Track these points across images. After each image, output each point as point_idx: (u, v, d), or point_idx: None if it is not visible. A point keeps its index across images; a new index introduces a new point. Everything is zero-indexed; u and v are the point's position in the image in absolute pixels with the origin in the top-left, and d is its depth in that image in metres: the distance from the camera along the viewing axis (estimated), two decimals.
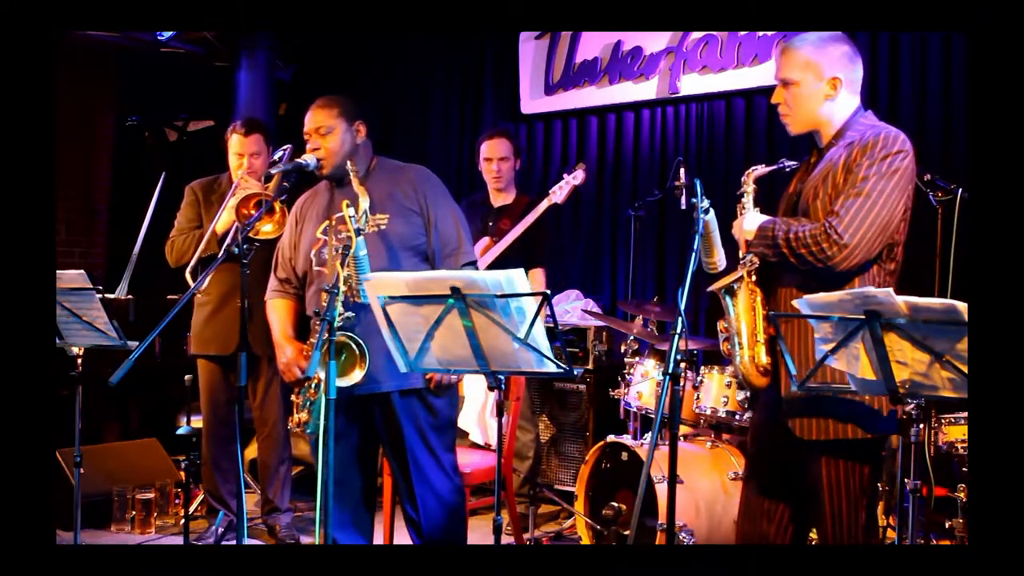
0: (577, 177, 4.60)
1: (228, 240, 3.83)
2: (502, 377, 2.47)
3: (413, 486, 3.08)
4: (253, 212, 3.73)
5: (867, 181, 2.37)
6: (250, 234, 3.71)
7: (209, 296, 4.08)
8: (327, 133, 3.06)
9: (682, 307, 2.29)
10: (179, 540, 4.05)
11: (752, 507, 2.64)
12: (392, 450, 3.12)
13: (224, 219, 3.92)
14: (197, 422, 4.25)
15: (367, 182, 3.04)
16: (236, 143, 4.10)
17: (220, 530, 4.22)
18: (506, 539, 4.06)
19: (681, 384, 2.40)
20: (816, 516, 2.51)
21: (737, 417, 3.82)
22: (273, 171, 3.67)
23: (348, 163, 3.02)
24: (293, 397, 3.00)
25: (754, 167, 2.62)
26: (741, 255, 2.55)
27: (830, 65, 2.49)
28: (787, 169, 2.64)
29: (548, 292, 2.37)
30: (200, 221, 4.15)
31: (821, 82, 2.49)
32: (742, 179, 2.60)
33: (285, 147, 3.78)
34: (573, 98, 5.73)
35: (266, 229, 3.81)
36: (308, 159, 3.35)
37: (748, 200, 2.57)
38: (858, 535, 2.46)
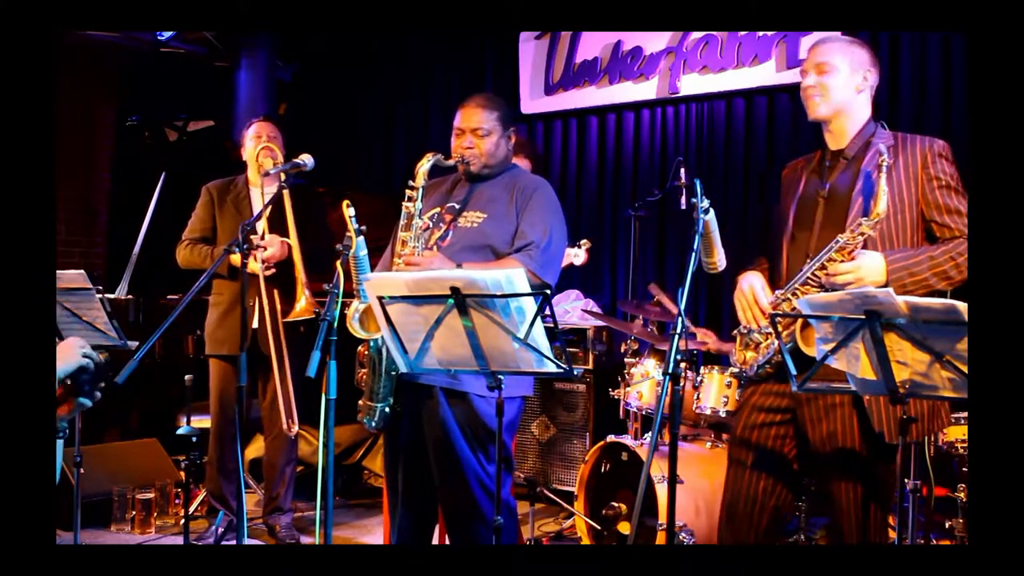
0: (578, 256, 4.45)
1: (230, 240, 3.83)
2: (502, 377, 2.47)
3: (452, 492, 2.94)
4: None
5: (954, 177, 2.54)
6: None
7: (223, 297, 4.13)
8: (485, 135, 3.08)
9: (682, 307, 2.29)
10: (179, 540, 4.05)
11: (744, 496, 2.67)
12: (434, 449, 2.97)
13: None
14: (197, 422, 4.24)
15: (488, 180, 3.12)
16: (254, 128, 4.22)
17: (220, 530, 4.22)
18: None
19: (681, 384, 2.40)
20: (840, 515, 2.54)
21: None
22: (272, 171, 3.68)
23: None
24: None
25: (859, 220, 2.50)
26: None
27: (862, 63, 2.61)
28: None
29: (548, 292, 2.36)
30: (213, 222, 4.22)
31: (857, 73, 2.59)
32: (848, 233, 2.49)
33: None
34: (573, 98, 5.74)
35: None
36: (305, 159, 3.35)
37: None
38: (880, 533, 2.52)
